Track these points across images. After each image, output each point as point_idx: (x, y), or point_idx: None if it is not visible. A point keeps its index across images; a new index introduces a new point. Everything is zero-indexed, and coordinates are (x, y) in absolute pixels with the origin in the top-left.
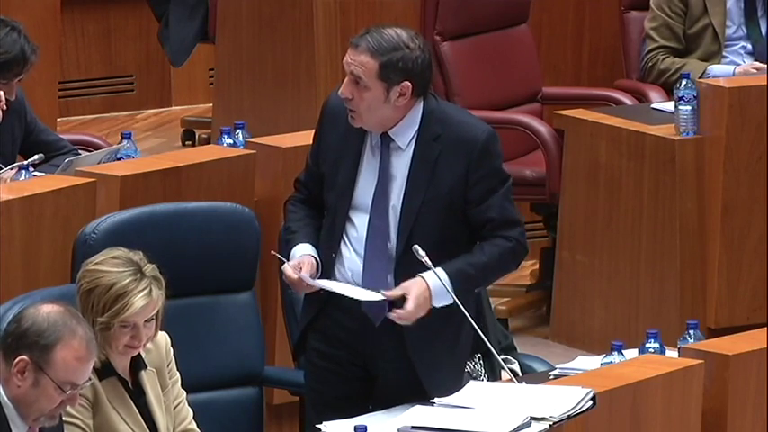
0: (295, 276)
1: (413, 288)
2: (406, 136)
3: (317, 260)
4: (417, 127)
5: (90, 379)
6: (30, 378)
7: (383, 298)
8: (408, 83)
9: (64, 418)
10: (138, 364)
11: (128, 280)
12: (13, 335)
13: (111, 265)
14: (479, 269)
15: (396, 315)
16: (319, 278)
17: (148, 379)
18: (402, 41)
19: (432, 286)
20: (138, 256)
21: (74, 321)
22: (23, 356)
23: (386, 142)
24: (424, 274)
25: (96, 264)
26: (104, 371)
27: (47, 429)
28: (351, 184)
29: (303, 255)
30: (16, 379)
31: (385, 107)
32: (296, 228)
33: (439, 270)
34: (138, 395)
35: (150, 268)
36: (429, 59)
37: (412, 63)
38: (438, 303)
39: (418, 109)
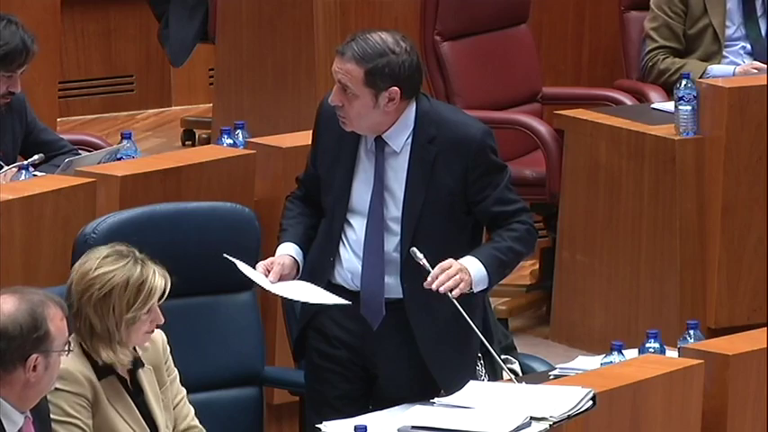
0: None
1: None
2: (399, 139)
3: (296, 259)
4: (411, 129)
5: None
6: (41, 366)
7: (349, 303)
8: (396, 88)
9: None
10: (135, 362)
11: (138, 269)
12: (9, 348)
13: (110, 264)
14: (508, 253)
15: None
16: (301, 278)
17: (146, 377)
18: (387, 47)
19: (473, 273)
20: (120, 246)
21: (34, 297)
22: (33, 355)
23: (380, 146)
24: (464, 260)
25: (96, 269)
26: (103, 370)
27: (38, 426)
28: (347, 188)
29: (280, 255)
30: (31, 377)
31: (375, 113)
32: (286, 225)
33: (471, 258)
34: (136, 393)
35: (137, 251)
36: (416, 62)
37: (398, 68)
38: (476, 289)
39: (411, 111)
